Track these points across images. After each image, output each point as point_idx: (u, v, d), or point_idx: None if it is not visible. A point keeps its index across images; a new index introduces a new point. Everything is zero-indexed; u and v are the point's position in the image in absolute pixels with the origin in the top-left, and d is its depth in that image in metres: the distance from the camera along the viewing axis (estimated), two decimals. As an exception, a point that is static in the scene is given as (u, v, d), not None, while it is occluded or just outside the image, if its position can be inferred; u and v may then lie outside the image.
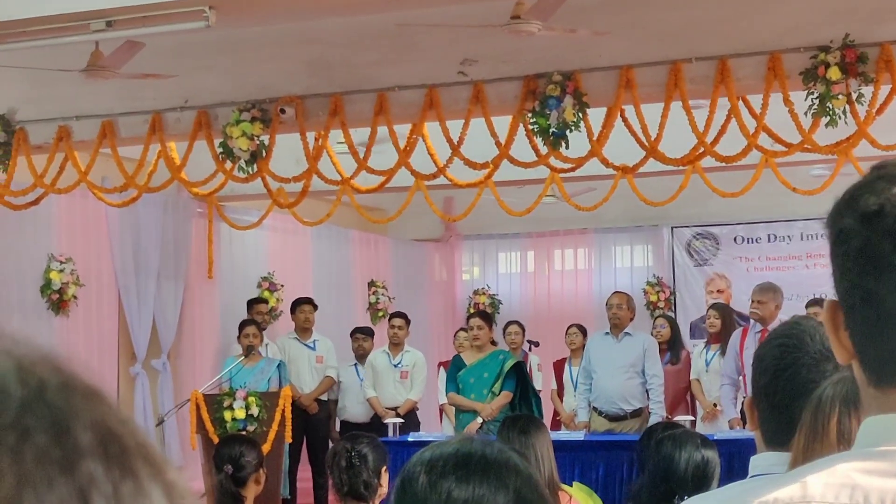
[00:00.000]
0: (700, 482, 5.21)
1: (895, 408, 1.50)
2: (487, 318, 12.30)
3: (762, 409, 2.60)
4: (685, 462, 5.34)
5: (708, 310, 13.97)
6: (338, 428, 14.14)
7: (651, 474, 5.50)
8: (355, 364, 14.25)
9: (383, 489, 5.85)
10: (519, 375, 11.75)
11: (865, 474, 1.46)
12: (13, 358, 0.71)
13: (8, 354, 0.71)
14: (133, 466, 0.71)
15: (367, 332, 14.76)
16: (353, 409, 14.07)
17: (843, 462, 1.49)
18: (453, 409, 12.63)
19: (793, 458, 2.19)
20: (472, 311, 19.06)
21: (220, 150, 11.10)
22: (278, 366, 12.89)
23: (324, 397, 14.20)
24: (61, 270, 13.34)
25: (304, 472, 13.74)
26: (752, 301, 11.81)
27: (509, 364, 11.70)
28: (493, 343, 12.36)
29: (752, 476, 2.45)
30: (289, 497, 13.02)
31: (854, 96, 9.41)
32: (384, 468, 5.87)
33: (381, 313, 17.92)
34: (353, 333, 14.75)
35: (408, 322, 14.09)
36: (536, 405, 11.76)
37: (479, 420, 11.44)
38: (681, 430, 6.05)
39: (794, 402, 2.43)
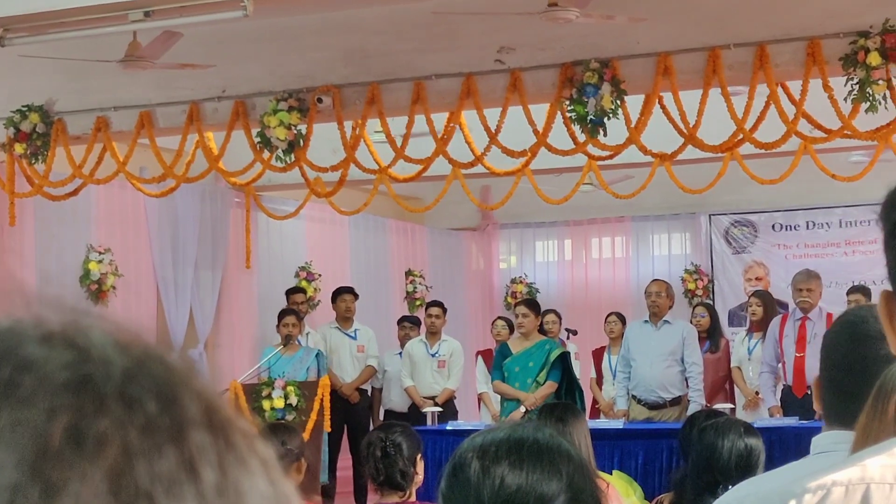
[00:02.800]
0: (744, 470, 5.17)
1: None
2: (533, 305, 12.21)
3: (826, 389, 2.59)
4: (728, 451, 5.31)
5: (749, 297, 13.90)
6: (382, 417, 14.15)
7: (694, 463, 5.48)
8: (400, 353, 14.23)
9: (419, 477, 5.84)
10: (564, 366, 11.72)
11: None
12: (111, 333, 0.72)
13: (106, 331, 0.72)
14: (234, 438, 0.71)
15: (414, 322, 14.76)
16: (397, 398, 14.09)
17: None
18: (491, 397, 12.61)
19: (855, 437, 2.18)
20: (509, 299, 19.09)
21: (258, 139, 11.11)
22: (317, 355, 12.90)
23: (365, 386, 14.22)
24: (100, 261, 13.39)
25: (344, 462, 13.75)
26: (801, 290, 11.71)
27: (555, 354, 11.67)
28: (543, 332, 12.34)
29: (815, 454, 2.44)
30: (328, 483, 13.05)
31: (894, 81, 9.35)
32: (419, 456, 5.85)
33: (418, 302, 17.91)
34: (399, 322, 14.80)
35: (445, 311, 14.07)
36: (580, 396, 11.75)
37: (523, 409, 11.42)
38: (724, 418, 6.02)
39: (856, 382, 2.42)
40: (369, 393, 14.38)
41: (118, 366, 0.69)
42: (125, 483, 0.64)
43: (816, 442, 2.50)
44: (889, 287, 1.59)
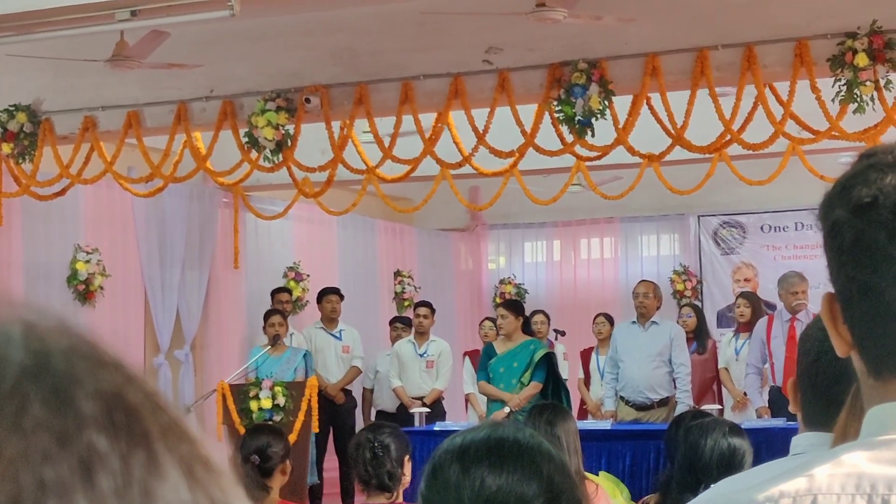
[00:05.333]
0: (726, 470, 5.11)
1: None
2: (513, 306, 12.22)
3: (804, 390, 2.58)
4: (710, 450, 5.29)
5: (737, 298, 13.89)
6: (374, 417, 14.14)
7: (679, 463, 5.46)
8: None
9: (407, 478, 5.83)
10: (549, 366, 11.71)
11: (871, 463, 1.45)
12: (23, 324, 0.67)
13: (19, 321, 0.67)
14: (146, 438, 0.66)
15: (406, 322, 14.77)
16: (389, 398, 14.10)
17: (847, 453, 1.48)
18: (479, 398, 12.60)
19: (834, 438, 2.17)
20: (498, 300, 19.05)
21: (246, 139, 11.09)
22: (304, 355, 12.89)
23: (350, 387, 14.20)
24: (88, 261, 13.35)
25: (331, 462, 13.74)
26: (797, 292, 11.75)
27: (539, 354, 11.66)
28: (530, 333, 12.32)
29: (793, 455, 2.43)
30: (318, 483, 13.04)
31: (882, 83, 9.35)
32: (407, 457, 5.84)
33: (407, 303, 17.90)
34: (391, 323, 14.80)
35: (433, 311, 14.07)
36: (566, 396, 11.73)
37: (507, 410, 11.41)
38: (709, 418, 6.01)
39: (834, 384, 2.42)
40: (354, 394, 14.36)
41: (15, 362, 0.64)
42: (8, 491, 0.60)
43: (795, 442, 2.50)
44: (831, 289, 1.59)
